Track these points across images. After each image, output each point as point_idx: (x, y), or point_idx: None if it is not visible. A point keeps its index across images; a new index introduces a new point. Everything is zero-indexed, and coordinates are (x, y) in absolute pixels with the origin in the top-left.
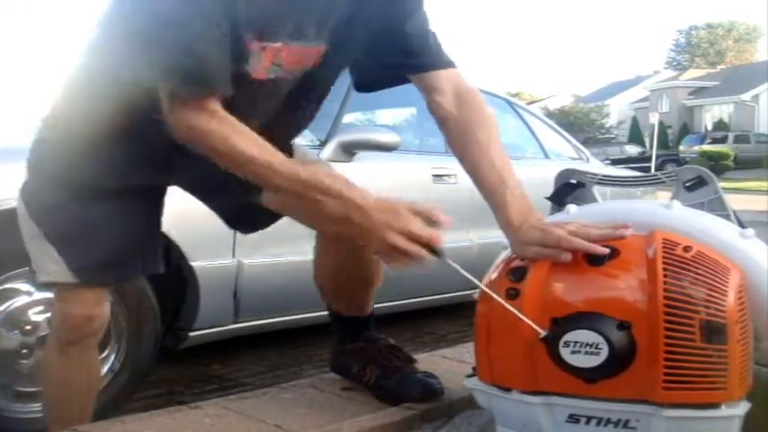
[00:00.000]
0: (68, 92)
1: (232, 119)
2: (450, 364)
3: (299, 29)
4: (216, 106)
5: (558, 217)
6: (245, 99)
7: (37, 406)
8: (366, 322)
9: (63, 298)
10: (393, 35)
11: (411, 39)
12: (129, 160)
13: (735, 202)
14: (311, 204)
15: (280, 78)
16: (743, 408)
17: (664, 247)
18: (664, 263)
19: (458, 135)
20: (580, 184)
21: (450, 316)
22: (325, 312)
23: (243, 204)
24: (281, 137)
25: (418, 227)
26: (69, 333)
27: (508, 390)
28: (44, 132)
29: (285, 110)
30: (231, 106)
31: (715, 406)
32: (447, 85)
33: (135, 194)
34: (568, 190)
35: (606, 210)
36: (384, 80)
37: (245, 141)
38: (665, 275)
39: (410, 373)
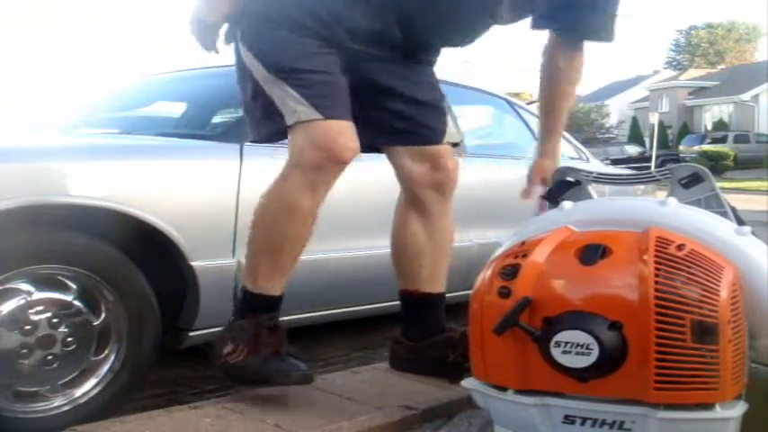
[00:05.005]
0: None
1: None
2: None
3: None
4: None
5: (553, 214)
6: None
7: (37, 406)
8: (441, 301)
9: (314, 133)
10: None
11: None
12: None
13: (734, 201)
14: None
15: None
16: (739, 410)
17: (656, 246)
18: (656, 262)
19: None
20: (576, 182)
21: (450, 316)
22: (324, 312)
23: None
24: None
25: None
26: (330, 163)
27: (503, 389)
28: None
29: None
30: None
31: (708, 406)
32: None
33: (338, 54)
34: (564, 188)
35: (601, 207)
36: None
37: None
38: (656, 275)
39: None
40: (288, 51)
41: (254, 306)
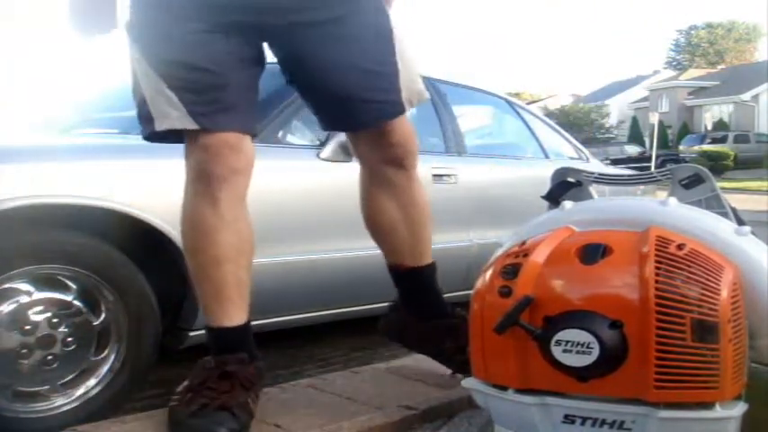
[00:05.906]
0: None
1: None
2: None
3: None
4: None
5: (554, 214)
6: None
7: (37, 406)
8: (431, 272)
9: (196, 139)
10: None
11: None
12: None
13: (734, 201)
14: None
15: None
16: (739, 409)
17: (657, 245)
18: (656, 261)
19: None
20: (577, 183)
21: None
22: (324, 312)
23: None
24: None
25: None
26: (217, 166)
27: (503, 388)
28: None
29: None
30: None
31: (708, 406)
32: None
33: (230, 38)
34: (564, 188)
35: (602, 207)
36: None
37: None
38: (657, 274)
39: None
40: (168, 43)
41: (213, 343)
